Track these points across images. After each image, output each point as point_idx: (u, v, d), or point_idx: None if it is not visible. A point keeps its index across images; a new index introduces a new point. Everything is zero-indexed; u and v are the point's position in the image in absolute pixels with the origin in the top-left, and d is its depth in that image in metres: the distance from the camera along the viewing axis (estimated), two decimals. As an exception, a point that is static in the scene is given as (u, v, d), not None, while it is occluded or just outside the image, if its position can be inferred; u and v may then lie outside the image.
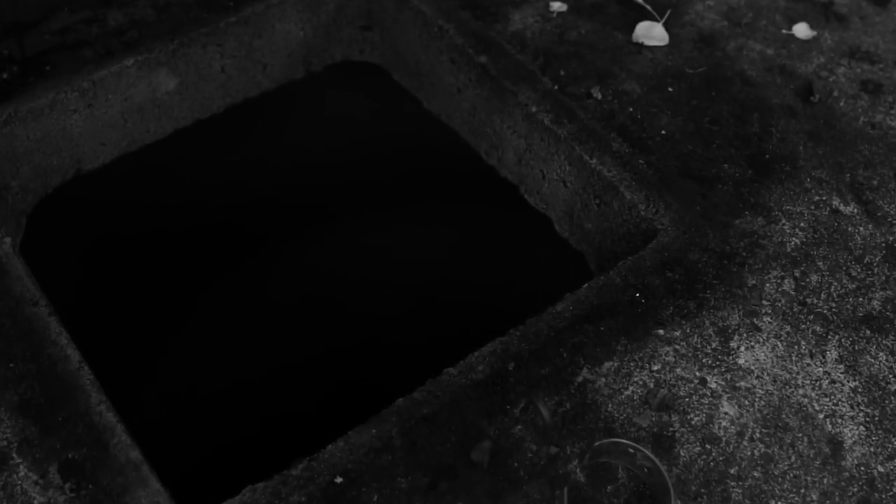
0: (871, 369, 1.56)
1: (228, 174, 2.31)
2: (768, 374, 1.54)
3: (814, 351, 1.57)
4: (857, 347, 1.58)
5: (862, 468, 1.46)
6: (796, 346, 1.57)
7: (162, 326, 2.21)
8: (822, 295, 1.64)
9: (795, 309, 1.61)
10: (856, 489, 1.43)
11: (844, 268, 1.68)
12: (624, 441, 1.42)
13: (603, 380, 1.51)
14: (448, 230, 2.31)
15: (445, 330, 2.05)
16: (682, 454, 1.44)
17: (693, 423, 1.47)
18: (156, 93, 1.93)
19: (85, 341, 1.70)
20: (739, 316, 1.60)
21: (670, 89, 1.91)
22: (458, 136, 2.04)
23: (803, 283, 1.65)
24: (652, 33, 1.99)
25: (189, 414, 2.19)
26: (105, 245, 2.17)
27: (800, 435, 1.48)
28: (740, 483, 1.42)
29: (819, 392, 1.52)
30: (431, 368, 1.48)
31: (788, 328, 1.59)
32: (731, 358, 1.55)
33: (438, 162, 2.24)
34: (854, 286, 1.65)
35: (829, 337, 1.59)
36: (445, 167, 2.18)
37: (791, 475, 1.44)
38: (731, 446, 1.46)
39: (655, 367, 1.53)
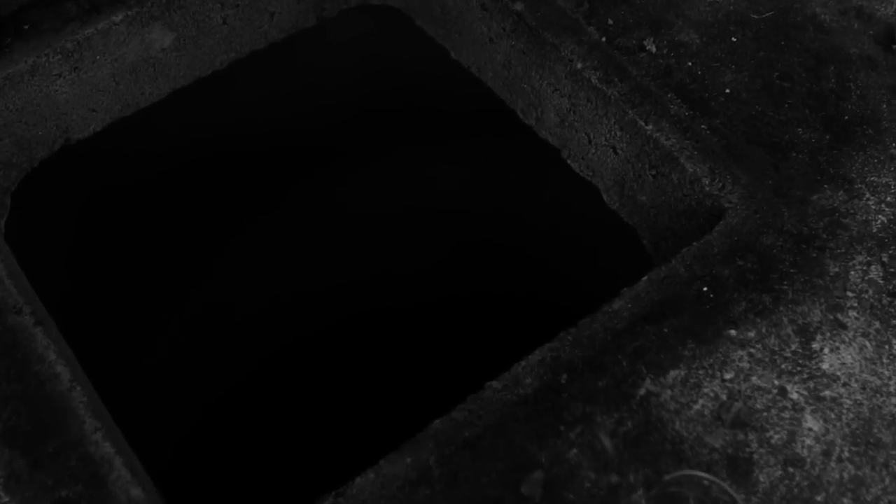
0: (975, 374, 1.37)
1: (234, 134, 2.11)
2: (856, 381, 1.35)
3: (908, 353, 1.38)
4: (957, 347, 1.39)
5: (969, 495, 1.28)
6: (887, 346, 1.38)
7: (162, 318, 2.05)
8: (916, 284, 1.44)
9: (885, 301, 1.42)
10: (963, 520, 1.26)
11: (940, 251, 1.48)
12: (697, 473, 1.24)
13: (668, 392, 1.33)
14: (483, 191, 2.12)
15: (480, 315, 1.88)
16: (762, 479, 1.27)
17: (773, 441, 1.30)
18: (150, 51, 1.72)
19: (77, 338, 1.54)
20: (821, 311, 1.41)
21: (734, 39, 1.69)
22: (490, 91, 1.83)
23: (893, 270, 1.45)
24: (711, -28, 1.76)
25: (200, 432, 2.04)
26: (100, 221, 1.99)
27: (894, 453, 1.30)
28: (830, 516, 1.25)
29: (916, 403, 1.34)
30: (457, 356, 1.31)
31: (878, 324, 1.40)
32: (813, 362, 1.36)
33: (469, 119, 2.03)
34: (952, 273, 1.46)
35: (926, 335, 1.40)
36: (478, 124, 1.97)
37: (885, 501, 1.27)
38: (817, 468, 1.28)
39: (728, 376, 1.34)
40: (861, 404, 1.34)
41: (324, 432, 2.13)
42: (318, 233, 2.38)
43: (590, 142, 1.69)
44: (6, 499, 1.24)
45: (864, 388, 1.35)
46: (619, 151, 1.64)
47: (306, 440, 2.15)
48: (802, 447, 1.30)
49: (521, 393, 1.32)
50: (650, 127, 1.57)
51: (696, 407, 1.32)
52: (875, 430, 1.32)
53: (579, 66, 1.64)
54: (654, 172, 1.59)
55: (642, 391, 1.33)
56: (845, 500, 1.27)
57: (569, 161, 1.75)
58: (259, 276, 2.34)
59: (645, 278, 1.42)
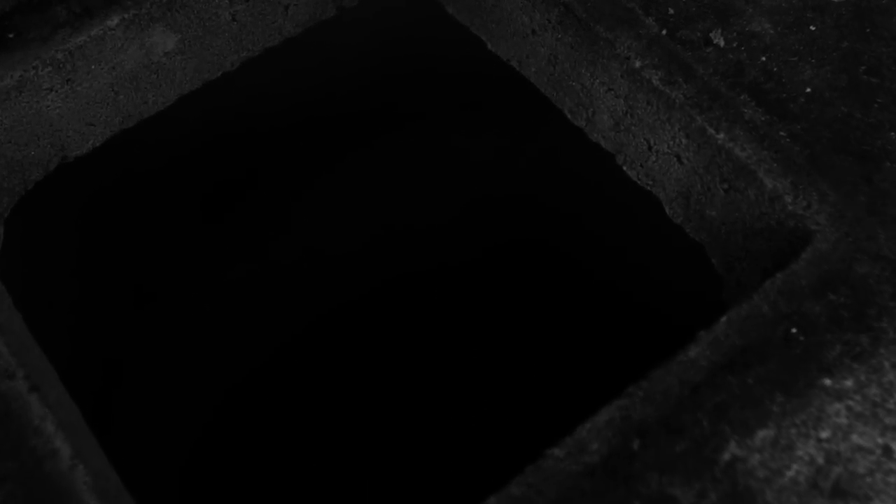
0: None
1: (248, 138, 1.94)
2: (973, 436, 1.18)
3: None
4: None
5: None
6: None
7: (170, 352, 1.91)
8: None
9: None
10: None
11: None
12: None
13: (757, 456, 1.17)
14: (530, 193, 1.95)
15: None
16: (869, 560, 1.11)
17: (880, 513, 1.14)
18: (151, 56, 1.55)
19: (81, 380, 1.41)
20: (928, 353, 1.24)
21: (812, 28, 1.50)
22: (534, 87, 1.65)
23: None
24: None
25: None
26: (104, 246, 1.84)
27: None
28: None
29: None
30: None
31: None
32: (922, 415, 1.20)
33: (511, 117, 1.85)
34: None
35: None
36: (521, 123, 1.80)
37: None
38: (933, 545, 1.12)
39: (824, 435, 1.18)
40: (979, 464, 1.17)
41: (359, 401, 2.03)
42: (362, 205, 2.27)
43: (650, 148, 1.51)
44: None
45: (981, 445, 1.18)
46: (685, 161, 1.46)
47: (337, 418, 2.06)
48: (914, 519, 1.14)
49: (587, 462, 1.16)
50: (722, 136, 1.39)
51: (790, 473, 1.16)
52: None
53: (637, 64, 1.46)
54: (726, 186, 1.42)
55: (727, 456, 1.17)
56: (966, 582, 1.11)
57: (625, 168, 1.57)
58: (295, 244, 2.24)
59: (724, 319, 1.26)
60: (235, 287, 2.41)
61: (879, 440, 1.18)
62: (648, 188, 1.56)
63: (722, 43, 1.48)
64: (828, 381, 1.21)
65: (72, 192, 1.67)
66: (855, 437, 1.18)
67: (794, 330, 1.25)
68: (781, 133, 1.39)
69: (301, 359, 2.42)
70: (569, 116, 1.63)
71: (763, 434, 1.18)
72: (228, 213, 2.29)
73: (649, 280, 1.60)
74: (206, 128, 2.03)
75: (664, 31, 1.49)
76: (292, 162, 2.34)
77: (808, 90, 1.44)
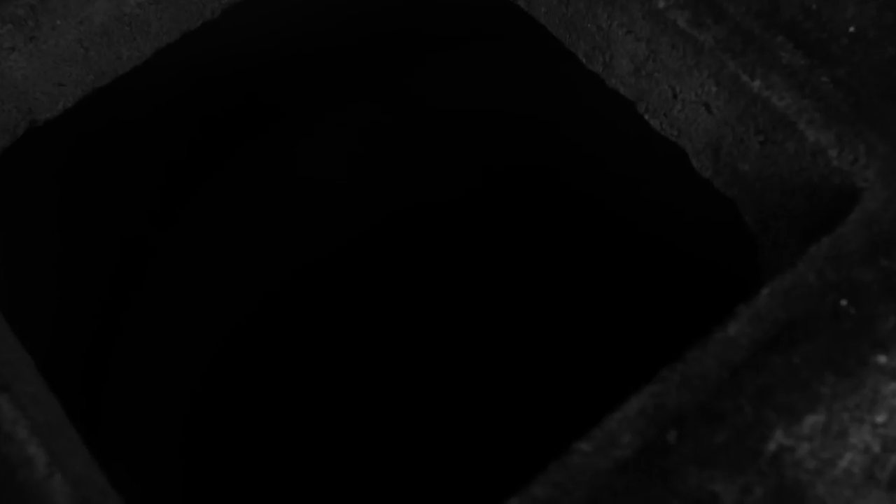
0: None
1: (236, 89, 1.82)
2: None
3: None
4: None
5: None
6: None
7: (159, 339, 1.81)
8: None
9: None
10: None
11: None
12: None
13: (806, 445, 1.06)
14: (540, 141, 1.82)
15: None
16: (933, 559, 1.01)
17: (944, 505, 1.03)
18: (123, 6, 1.43)
19: (65, 369, 1.31)
20: None
21: (854, -43, 1.36)
22: (544, 28, 1.52)
23: None
24: None
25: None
26: (82, 214, 1.73)
27: None
28: None
29: None
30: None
31: None
32: None
33: (520, 60, 1.72)
34: None
35: None
36: (532, 71, 1.67)
37: None
38: None
39: (880, 419, 1.08)
40: None
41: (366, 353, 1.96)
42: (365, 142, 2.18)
43: (675, 96, 1.39)
44: None
45: None
46: (715, 110, 1.34)
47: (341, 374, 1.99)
48: (981, 511, 1.03)
49: (619, 457, 1.06)
50: (757, 83, 1.27)
51: (843, 464, 1.05)
52: None
53: (661, 4, 1.33)
54: (761, 139, 1.30)
55: (772, 446, 1.06)
56: None
57: (646, 117, 1.45)
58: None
59: (765, 291, 1.14)
60: (232, 232, 2.32)
61: (941, 423, 1.07)
62: (673, 139, 1.44)
63: (754, -23, 1.34)
64: (882, 359, 1.11)
65: (45, 156, 1.55)
66: (914, 421, 1.07)
67: (843, 301, 1.13)
68: (823, 79, 1.27)
69: (300, 304, 2.34)
70: (583, 61, 1.51)
71: (812, 420, 1.07)
72: (228, 158, 2.20)
73: (674, 238, 1.49)
74: (188, 76, 1.92)
75: (690, -34, 1.35)
76: (291, 103, 2.23)
77: (852, 29, 1.31)
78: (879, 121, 1.24)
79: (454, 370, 1.94)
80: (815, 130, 1.24)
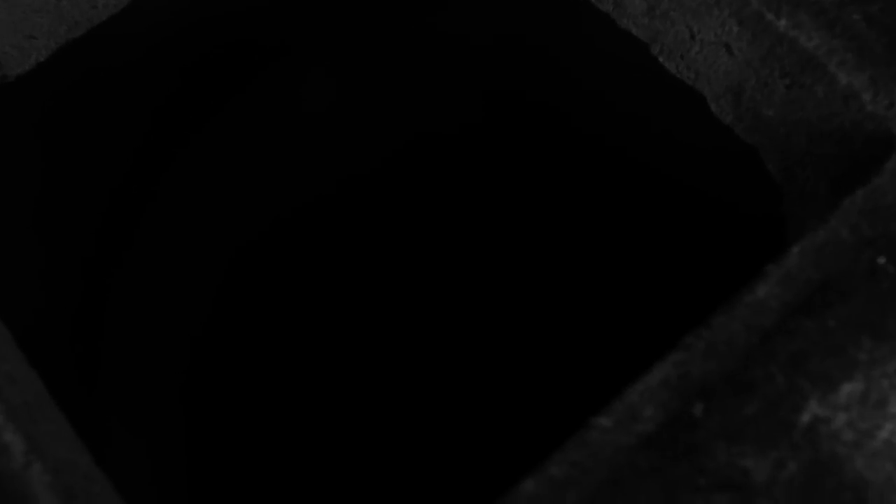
0: None
1: (228, 31, 1.73)
2: None
3: None
4: None
5: None
6: None
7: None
8: None
9: None
10: None
11: None
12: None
13: (843, 416, 0.99)
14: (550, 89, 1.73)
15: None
16: (981, 536, 0.94)
17: None
18: (97, -50, 1.32)
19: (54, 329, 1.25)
20: None
21: None
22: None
23: None
24: None
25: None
26: (64, 172, 1.64)
27: None
28: None
29: None
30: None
31: None
32: None
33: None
34: None
35: None
36: (539, 10, 1.58)
37: None
38: None
39: (922, 386, 1.00)
40: None
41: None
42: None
43: (692, 37, 1.30)
44: None
45: None
46: (736, 52, 1.25)
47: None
48: None
49: (641, 431, 0.98)
50: (783, 22, 1.18)
51: (883, 435, 0.98)
52: None
53: (677, -64, 1.23)
54: (787, 82, 1.21)
55: (806, 417, 0.99)
56: None
57: (661, 59, 1.36)
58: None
59: (795, 249, 1.06)
60: (231, 177, 2.24)
61: None
62: (690, 83, 1.35)
63: None
64: (924, 320, 1.03)
65: (19, 113, 1.47)
66: (958, 387, 1.00)
67: (880, 259, 1.05)
68: (855, 16, 1.18)
69: (301, 247, 2.27)
70: (592, 0, 1.41)
71: (849, 388, 1.00)
72: (227, 100, 2.12)
73: (691, 187, 1.41)
74: (175, 21, 1.82)
75: None
76: (288, 44, 2.15)
77: (885, -40, 1.21)
78: (917, 60, 1.15)
79: (458, 306, 1.87)
80: (847, 73, 1.15)
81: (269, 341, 2.22)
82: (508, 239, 1.90)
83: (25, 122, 1.54)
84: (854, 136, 1.17)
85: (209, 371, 2.29)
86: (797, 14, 1.17)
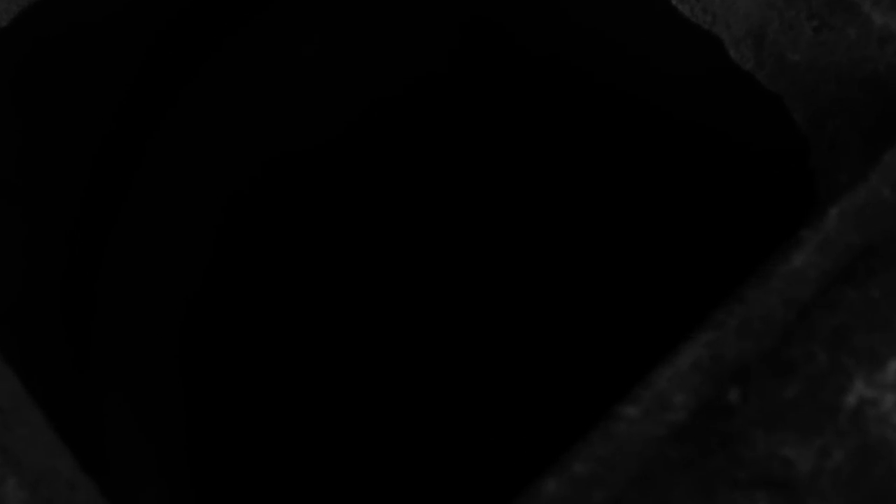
0: None
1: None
2: None
3: None
4: None
5: None
6: None
7: None
8: None
9: None
10: None
11: None
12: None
13: (891, 397, 0.90)
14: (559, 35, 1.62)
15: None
16: None
17: None
18: None
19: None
20: None
21: None
22: None
23: None
24: None
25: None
26: (49, 129, 1.56)
27: None
28: None
29: None
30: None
31: None
32: None
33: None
34: None
35: None
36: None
37: None
38: None
39: (977, 360, 0.91)
40: None
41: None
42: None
43: (708, -24, 1.19)
44: None
45: None
46: (758, -8, 1.15)
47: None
48: None
49: (672, 421, 0.90)
50: (811, -43, 1.07)
51: (936, 416, 0.90)
52: None
53: None
54: (815, 24, 1.11)
55: (852, 399, 0.90)
56: None
57: (674, 2, 1.25)
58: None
59: (834, 211, 0.97)
60: (228, 122, 2.15)
61: None
62: (706, 26, 1.25)
63: None
64: (976, 287, 0.94)
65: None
66: None
67: (927, 219, 0.96)
68: (890, -52, 1.07)
69: (291, 195, 2.19)
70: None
71: (897, 365, 0.91)
72: (226, 39, 2.02)
73: (709, 140, 1.31)
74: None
75: None
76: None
77: None
78: (959, -4, 1.05)
79: (457, 258, 1.80)
80: (882, 12, 1.06)
81: (266, 297, 2.16)
82: (507, 187, 1.82)
83: (4, 77, 1.45)
84: (890, 83, 1.07)
85: (208, 338, 2.23)
86: (826, -52, 1.07)
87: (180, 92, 2.05)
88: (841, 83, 1.13)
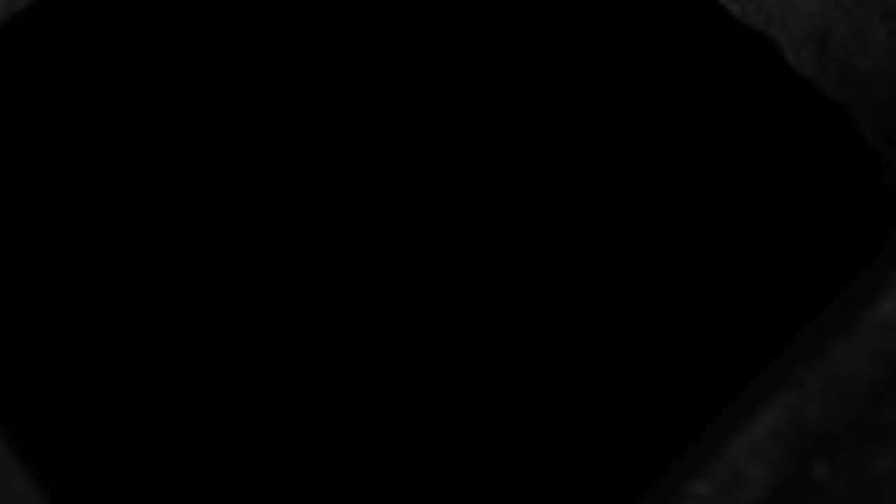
0: None
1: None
2: None
3: None
4: None
5: None
6: None
7: None
8: None
9: None
10: None
11: None
12: None
13: None
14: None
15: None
16: None
17: None
18: None
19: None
20: None
21: None
22: None
23: None
24: None
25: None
26: (44, 124, 1.46)
27: None
28: None
29: None
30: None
31: None
32: None
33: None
34: None
35: None
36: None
37: None
38: None
39: None
40: None
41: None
42: None
43: (764, -28, 1.07)
44: None
45: None
46: (823, -9, 1.02)
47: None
48: None
49: (749, 499, 0.78)
50: (888, -48, 0.94)
51: None
52: None
53: None
54: (891, 26, 0.98)
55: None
56: None
57: (723, 1, 1.13)
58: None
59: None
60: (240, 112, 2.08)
61: None
62: (761, 27, 1.12)
63: None
64: None
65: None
66: None
67: None
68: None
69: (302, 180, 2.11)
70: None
71: None
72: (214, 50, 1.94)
73: (763, 153, 1.18)
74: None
75: None
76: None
77: None
78: None
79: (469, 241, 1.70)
80: (973, 14, 0.92)
81: (279, 300, 2.08)
82: (516, 180, 1.72)
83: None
84: (980, 94, 0.94)
85: (220, 348, 2.16)
86: (906, -58, 0.94)
87: (180, 92, 1.97)
88: (919, 93, 1.00)
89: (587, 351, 1.36)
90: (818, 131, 1.15)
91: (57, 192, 1.88)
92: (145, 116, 1.94)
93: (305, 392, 2.06)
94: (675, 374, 0.95)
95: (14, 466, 0.96)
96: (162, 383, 2.14)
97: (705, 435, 0.88)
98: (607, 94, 1.59)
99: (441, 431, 1.67)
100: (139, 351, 2.11)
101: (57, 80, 1.68)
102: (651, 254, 1.34)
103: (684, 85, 1.38)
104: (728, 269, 1.14)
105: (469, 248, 1.72)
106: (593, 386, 1.32)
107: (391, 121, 1.93)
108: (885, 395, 0.80)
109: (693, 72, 1.37)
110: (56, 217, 1.91)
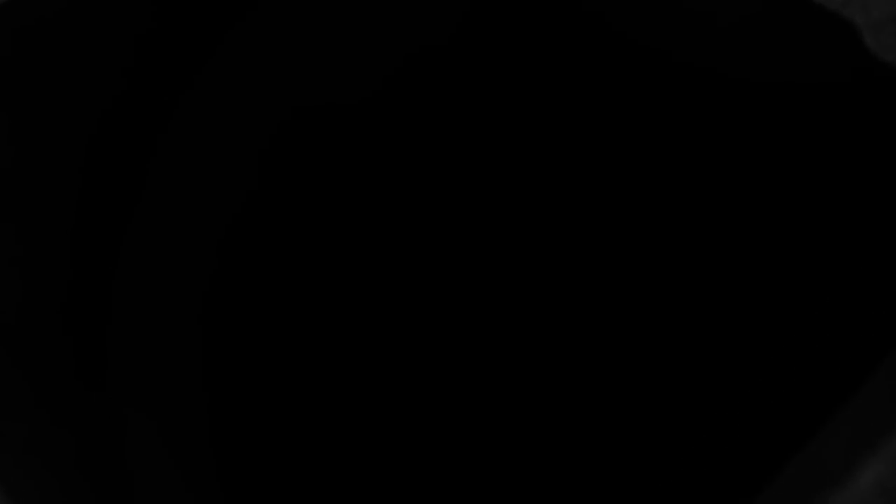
0: None
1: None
2: None
3: None
4: None
5: None
6: None
7: None
8: None
9: None
10: None
11: None
12: None
13: None
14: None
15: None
16: None
17: None
18: None
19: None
20: None
21: None
22: None
23: None
24: None
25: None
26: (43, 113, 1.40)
27: None
28: None
29: None
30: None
31: None
32: None
33: None
34: None
35: None
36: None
37: None
38: None
39: None
40: None
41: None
42: None
43: (842, -55, 0.96)
44: None
45: None
46: (912, -34, 0.91)
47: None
48: None
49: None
50: None
51: None
52: None
53: None
54: None
55: None
56: None
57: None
58: None
59: None
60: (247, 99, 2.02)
61: None
62: (836, 7, 1.02)
63: None
64: None
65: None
66: None
67: None
68: None
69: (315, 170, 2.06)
70: None
71: None
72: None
73: (838, 146, 1.07)
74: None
75: None
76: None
77: None
78: None
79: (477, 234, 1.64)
80: None
81: (295, 301, 2.03)
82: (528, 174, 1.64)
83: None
84: None
85: (234, 331, 2.12)
86: None
87: (187, 79, 1.91)
88: None
89: (604, 347, 1.30)
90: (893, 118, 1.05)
91: (59, 189, 1.82)
92: (150, 108, 1.89)
93: (325, 388, 2.01)
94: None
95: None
96: (176, 382, 2.10)
97: (784, 483, 0.78)
98: (636, 70, 1.51)
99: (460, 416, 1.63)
100: (152, 349, 2.06)
101: (58, 74, 1.62)
102: (687, 242, 1.27)
103: (720, 57, 1.28)
104: (768, 261, 1.05)
105: (490, 236, 1.65)
106: (600, 387, 1.26)
107: (404, 100, 1.87)
108: None
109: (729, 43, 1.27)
110: (59, 215, 1.85)
